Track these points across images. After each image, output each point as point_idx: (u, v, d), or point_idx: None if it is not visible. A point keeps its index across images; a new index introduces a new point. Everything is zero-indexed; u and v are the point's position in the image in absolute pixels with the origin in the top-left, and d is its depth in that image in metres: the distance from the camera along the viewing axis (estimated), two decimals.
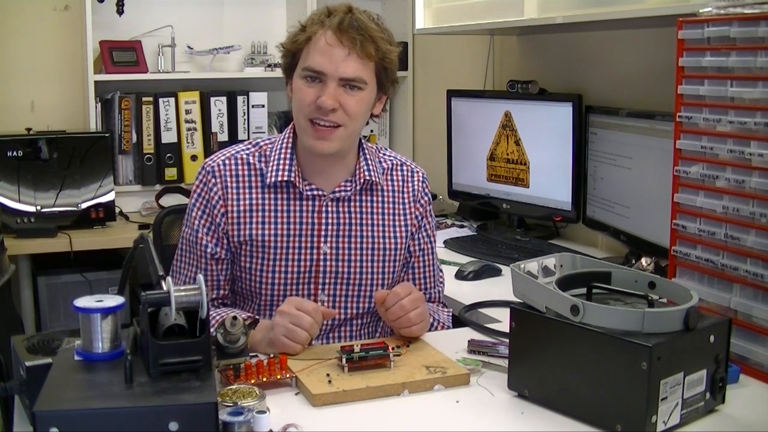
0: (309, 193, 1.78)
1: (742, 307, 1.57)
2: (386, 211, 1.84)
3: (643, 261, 2.22)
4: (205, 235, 1.77)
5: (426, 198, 1.91)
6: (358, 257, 1.81)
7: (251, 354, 1.50)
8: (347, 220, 1.80)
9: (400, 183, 1.88)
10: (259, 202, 1.77)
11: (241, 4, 3.65)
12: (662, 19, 2.01)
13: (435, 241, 1.95)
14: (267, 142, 1.83)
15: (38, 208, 3.05)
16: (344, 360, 1.49)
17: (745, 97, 1.56)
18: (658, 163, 2.22)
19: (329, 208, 1.79)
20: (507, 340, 1.51)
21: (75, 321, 1.24)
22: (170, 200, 3.32)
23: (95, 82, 3.25)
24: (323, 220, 1.79)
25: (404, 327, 1.65)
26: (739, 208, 1.57)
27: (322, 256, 1.79)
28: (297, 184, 1.77)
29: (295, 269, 1.78)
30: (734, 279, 1.60)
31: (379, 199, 1.84)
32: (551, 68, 2.93)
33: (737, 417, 1.38)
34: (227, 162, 1.79)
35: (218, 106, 3.48)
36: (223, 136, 3.49)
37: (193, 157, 3.45)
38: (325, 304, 1.79)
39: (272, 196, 1.78)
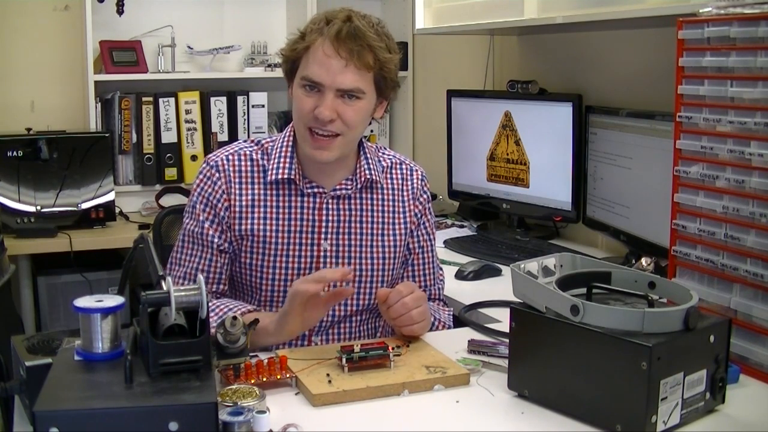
0: (309, 190, 1.79)
1: (742, 307, 1.57)
2: (386, 208, 1.85)
3: (643, 261, 2.22)
4: (210, 227, 1.78)
5: (425, 196, 1.91)
6: (358, 254, 1.81)
7: (251, 354, 1.50)
8: (347, 218, 1.81)
9: (400, 181, 1.88)
10: (261, 197, 1.78)
11: (241, 4, 3.65)
12: (662, 19, 2.01)
13: (434, 239, 1.96)
14: (268, 140, 1.84)
15: (38, 208, 3.04)
16: (344, 360, 1.49)
17: (745, 97, 1.56)
18: (658, 163, 2.22)
19: (330, 206, 1.80)
20: (507, 340, 1.51)
21: (75, 321, 1.24)
22: (170, 200, 3.32)
23: (95, 82, 3.24)
24: (324, 217, 1.79)
25: (405, 325, 1.65)
26: (739, 208, 1.57)
27: (322, 253, 1.79)
28: (297, 182, 1.78)
29: (296, 265, 1.78)
30: (734, 279, 1.60)
31: (379, 197, 1.85)
32: (551, 68, 2.93)
33: (737, 417, 1.38)
34: (231, 157, 1.80)
35: (218, 106, 3.48)
36: (223, 136, 3.49)
37: (193, 157, 3.45)
38: None
39: (274, 192, 1.78)
